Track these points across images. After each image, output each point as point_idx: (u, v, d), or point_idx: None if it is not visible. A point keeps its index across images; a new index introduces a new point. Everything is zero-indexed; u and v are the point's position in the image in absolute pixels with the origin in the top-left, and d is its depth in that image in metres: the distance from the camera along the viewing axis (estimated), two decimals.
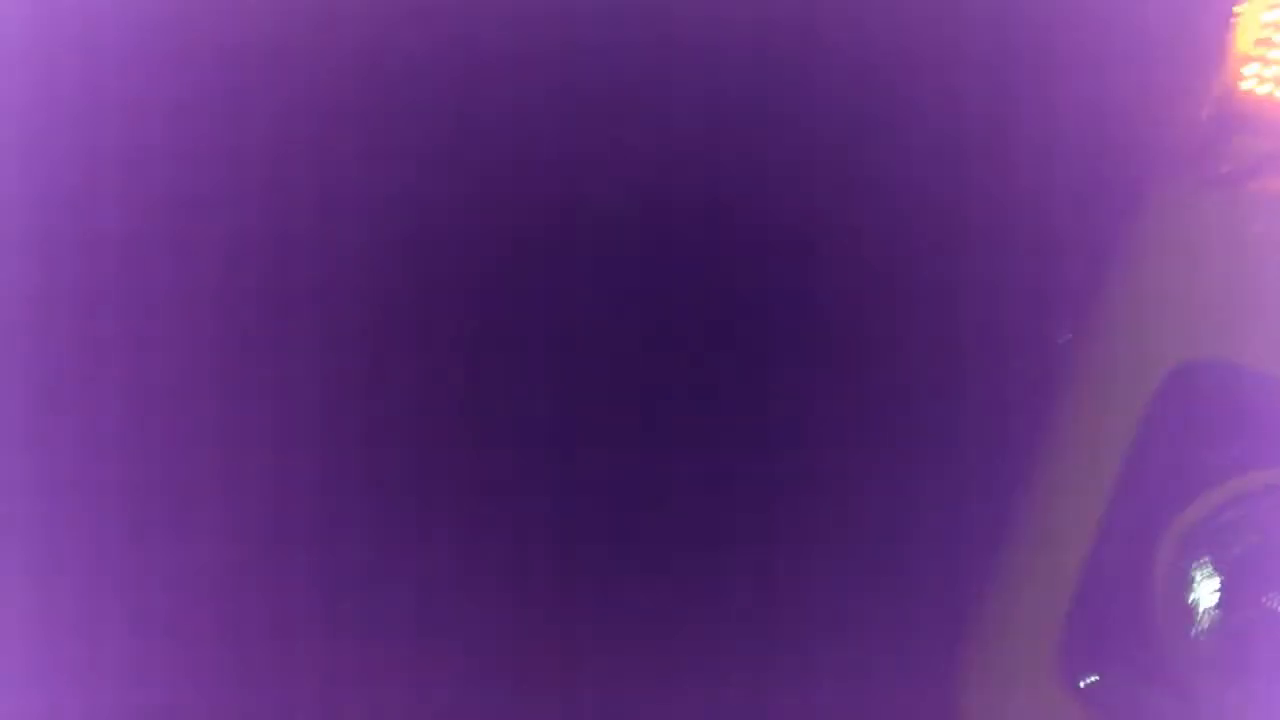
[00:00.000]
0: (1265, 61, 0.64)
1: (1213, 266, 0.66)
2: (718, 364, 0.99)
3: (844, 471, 0.94)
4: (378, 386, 1.04)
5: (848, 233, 0.97)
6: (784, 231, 0.98)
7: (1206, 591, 0.62)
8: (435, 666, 0.97)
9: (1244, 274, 0.65)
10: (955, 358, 0.94)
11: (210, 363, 0.97)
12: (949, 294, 0.95)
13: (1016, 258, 0.91)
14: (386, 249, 1.01)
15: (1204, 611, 0.61)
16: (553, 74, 0.99)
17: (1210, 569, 0.62)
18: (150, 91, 0.90)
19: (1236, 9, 0.64)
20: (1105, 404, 0.67)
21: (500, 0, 0.98)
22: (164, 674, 0.90)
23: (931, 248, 0.95)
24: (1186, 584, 0.62)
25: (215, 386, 0.98)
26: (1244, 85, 0.64)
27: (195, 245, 0.95)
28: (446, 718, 0.96)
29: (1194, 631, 0.61)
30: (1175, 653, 0.61)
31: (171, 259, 0.94)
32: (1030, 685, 0.66)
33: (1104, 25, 0.89)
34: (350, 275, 1.02)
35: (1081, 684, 0.65)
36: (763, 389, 0.99)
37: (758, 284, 0.99)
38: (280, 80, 0.94)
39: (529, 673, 0.97)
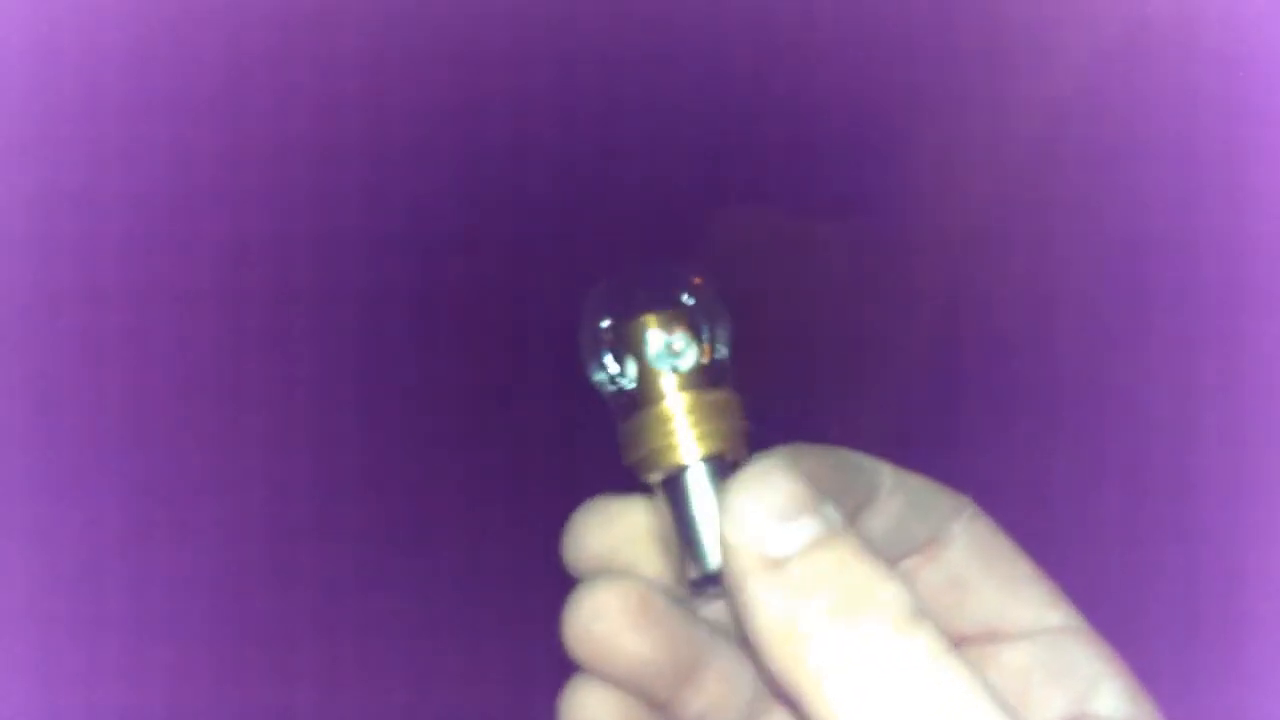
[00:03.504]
0: None
1: None
2: None
3: None
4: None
5: None
6: None
7: None
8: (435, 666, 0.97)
9: None
10: None
11: (210, 363, 0.98)
12: None
13: None
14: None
15: None
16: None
17: None
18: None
19: None
20: None
21: None
22: (164, 674, 0.90)
23: None
24: None
25: (215, 386, 0.98)
26: None
27: (195, 245, 0.95)
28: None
29: None
30: None
31: (172, 259, 0.94)
32: None
33: None
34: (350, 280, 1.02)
35: None
36: None
37: None
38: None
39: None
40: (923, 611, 0.25)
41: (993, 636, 0.31)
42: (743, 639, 0.28)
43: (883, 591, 0.25)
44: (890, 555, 0.31)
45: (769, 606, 0.25)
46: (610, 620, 0.30)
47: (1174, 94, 0.73)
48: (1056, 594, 0.32)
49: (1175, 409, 0.73)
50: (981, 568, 0.32)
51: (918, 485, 0.32)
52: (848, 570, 0.25)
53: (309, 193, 0.97)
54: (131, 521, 0.93)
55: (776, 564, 0.25)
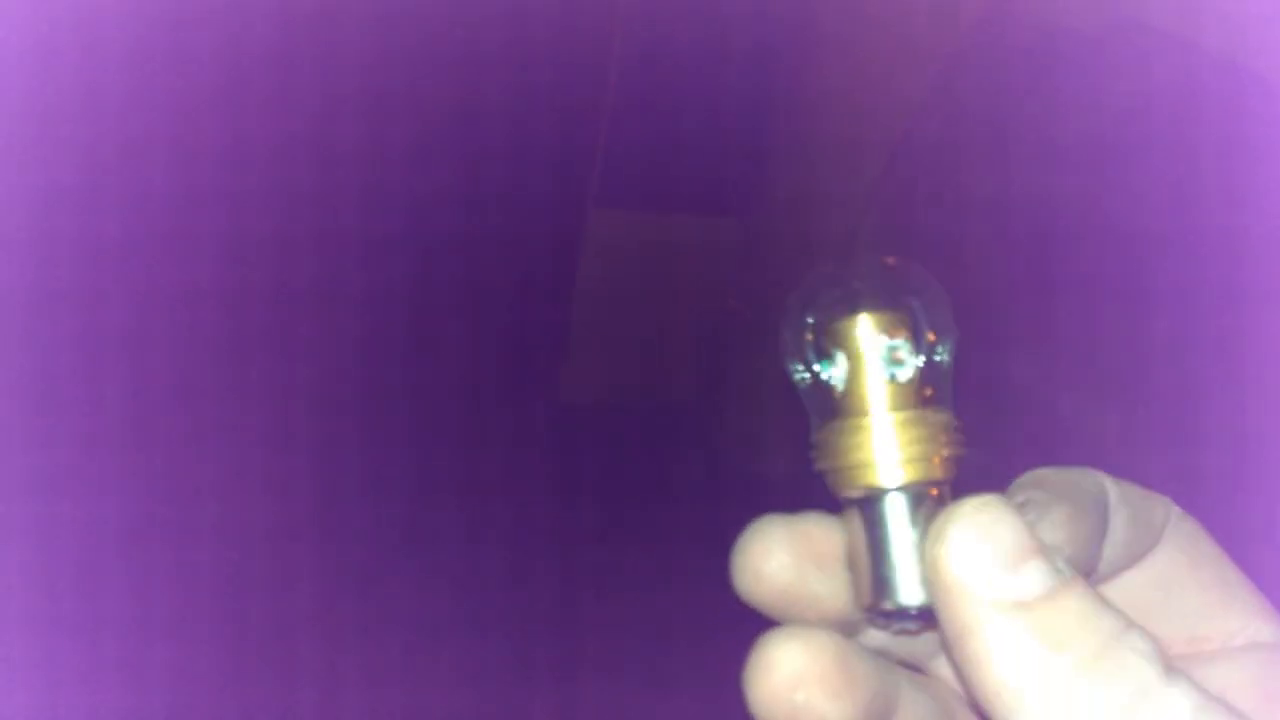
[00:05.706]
0: None
1: None
2: None
3: None
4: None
5: None
6: None
7: None
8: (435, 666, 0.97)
9: None
10: None
11: (210, 363, 0.97)
12: None
13: None
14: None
15: None
16: None
17: None
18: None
19: None
20: None
21: None
22: (164, 674, 0.90)
23: None
24: None
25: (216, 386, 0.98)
26: None
27: (196, 245, 0.95)
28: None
29: None
30: None
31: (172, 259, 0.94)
32: None
33: None
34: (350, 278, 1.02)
35: None
36: None
37: None
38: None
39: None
40: (1172, 662, 0.23)
41: (1198, 646, 0.29)
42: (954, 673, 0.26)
43: (1133, 645, 0.23)
44: (1115, 571, 0.29)
45: (1013, 655, 0.23)
46: (809, 688, 0.26)
47: (1173, 93, 0.73)
48: (1266, 605, 0.30)
49: (1176, 407, 0.73)
50: (1188, 571, 0.30)
51: (1134, 495, 0.29)
52: (1093, 621, 0.23)
53: (309, 193, 0.97)
54: (131, 521, 0.93)
55: (1021, 609, 0.23)
